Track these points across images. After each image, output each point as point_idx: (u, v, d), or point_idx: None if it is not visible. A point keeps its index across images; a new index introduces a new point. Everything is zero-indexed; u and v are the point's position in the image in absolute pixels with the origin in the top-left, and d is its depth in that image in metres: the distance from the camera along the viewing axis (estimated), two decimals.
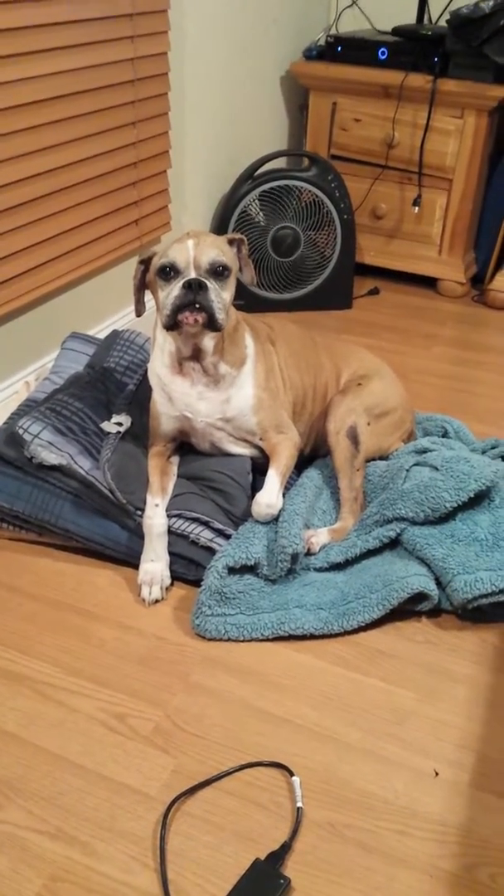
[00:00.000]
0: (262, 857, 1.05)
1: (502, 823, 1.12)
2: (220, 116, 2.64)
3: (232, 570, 1.45)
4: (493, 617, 1.47)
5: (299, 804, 1.13)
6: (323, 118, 2.98)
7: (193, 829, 1.10)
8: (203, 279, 1.43)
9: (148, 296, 1.57)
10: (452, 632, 1.46)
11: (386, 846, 1.09)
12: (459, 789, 1.17)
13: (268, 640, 1.42)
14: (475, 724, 1.28)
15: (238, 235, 1.57)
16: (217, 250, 1.47)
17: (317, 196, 2.74)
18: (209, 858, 1.06)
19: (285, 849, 1.06)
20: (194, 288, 1.42)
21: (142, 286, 1.55)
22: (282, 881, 1.02)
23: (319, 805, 1.14)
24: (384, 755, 1.22)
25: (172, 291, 1.44)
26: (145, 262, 1.52)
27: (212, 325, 1.45)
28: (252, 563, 1.46)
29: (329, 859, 1.07)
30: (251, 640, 1.41)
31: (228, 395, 1.58)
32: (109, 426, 1.70)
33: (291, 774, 1.17)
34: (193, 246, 1.45)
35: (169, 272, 1.45)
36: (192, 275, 1.43)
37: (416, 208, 2.90)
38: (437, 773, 1.20)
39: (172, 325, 1.46)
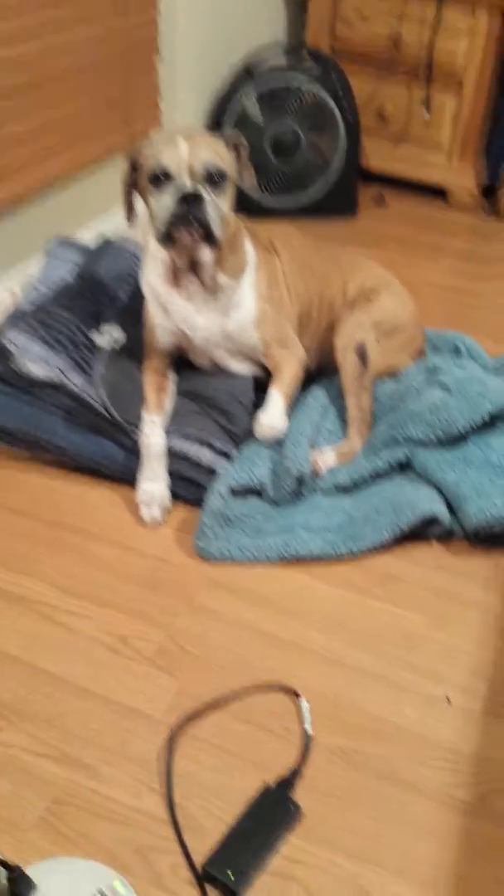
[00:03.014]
0: (271, 782, 1.03)
1: None
2: (215, 6, 2.44)
3: (235, 493, 1.39)
4: None
5: (308, 728, 1.10)
6: (325, 11, 2.77)
7: (200, 753, 1.07)
8: (199, 190, 1.31)
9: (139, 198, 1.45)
10: (463, 557, 1.42)
11: (398, 773, 1.07)
12: (472, 717, 1.15)
13: (273, 563, 1.37)
14: (487, 650, 1.25)
15: (236, 136, 1.43)
16: (213, 154, 1.34)
17: (319, 95, 2.57)
18: (216, 783, 1.04)
19: (295, 774, 1.04)
20: (190, 201, 1.31)
21: (131, 189, 1.43)
22: (293, 809, 0.99)
23: (329, 731, 1.11)
24: (395, 681, 1.19)
25: (165, 202, 1.32)
26: (133, 163, 1.40)
27: (210, 240, 1.35)
28: (256, 485, 1.40)
29: (339, 786, 1.05)
30: (256, 562, 1.36)
31: (228, 308, 1.49)
32: (102, 339, 1.61)
33: (299, 698, 1.14)
34: (187, 148, 1.32)
35: (160, 178, 1.33)
36: (187, 182, 1.32)
37: (427, 114, 2.75)
38: (449, 701, 1.17)
39: (166, 240, 1.35)
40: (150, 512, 1.43)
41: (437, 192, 2.89)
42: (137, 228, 1.50)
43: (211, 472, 1.45)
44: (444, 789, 1.05)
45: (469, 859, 0.98)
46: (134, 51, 2.05)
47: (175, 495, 1.47)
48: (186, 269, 1.45)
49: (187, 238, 1.34)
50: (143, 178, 1.36)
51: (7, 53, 1.66)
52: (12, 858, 0.87)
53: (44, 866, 0.88)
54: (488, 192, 2.91)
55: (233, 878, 0.91)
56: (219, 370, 1.58)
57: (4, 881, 0.84)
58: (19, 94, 1.71)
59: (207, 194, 1.32)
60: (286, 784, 1.02)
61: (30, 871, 0.85)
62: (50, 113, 1.82)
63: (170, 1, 2.17)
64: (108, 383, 1.50)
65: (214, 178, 1.34)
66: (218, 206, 1.34)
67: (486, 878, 0.96)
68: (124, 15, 1.97)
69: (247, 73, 2.52)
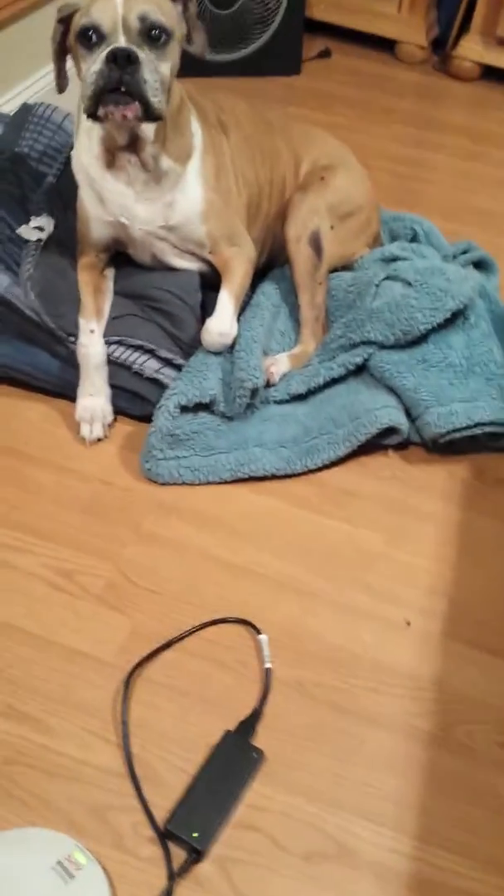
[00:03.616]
0: (232, 725, 0.99)
1: (476, 675, 1.08)
2: None
3: (184, 409, 1.29)
4: (462, 450, 1.37)
5: (267, 665, 1.06)
6: None
7: (156, 697, 1.02)
8: (133, 48, 1.11)
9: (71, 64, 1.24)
10: (420, 466, 1.36)
11: (358, 705, 1.04)
12: (431, 639, 1.12)
13: (225, 482, 1.29)
14: (445, 566, 1.22)
15: None
16: (153, 6, 1.14)
17: None
18: (175, 729, 1.00)
19: (255, 716, 1.00)
20: (121, 61, 1.10)
21: (62, 52, 1.22)
22: (255, 754, 0.96)
23: (286, 663, 1.07)
24: (352, 605, 1.15)
25: (94, 65, 1.12)
26: (65, 21, 1.18)
27: (148, 115, 1.15)
28: (207, 400, 1.29)
29: (298, 723, 1.02)
30: (207, 483, 1.28)
31: (173, 196, 1.32)
32: (28, 231, 1.43)
33: (258, 632, 1.10)
34: (122, 1, 1.12)
35: (91, 36, 1.13)
36: (121, 41, 1.12)
37: None
38: (408, 623, 1.14)
39: (94, 114, 1.16)
40: (91, 429, 1.32)
41: (385, 45, 2.64)
42: (69, 98, 1.30)
43: (155, 382, 1.33)
44: (405, 719, 1.04)
45: (432, 794, 0.97)
46: None
47: (117, 409, 1.36)
48: (124, 148, 1.26)
49: (118, 116, 1.14)
50: (73, 36, 1.16)
51: None
52: None
53: None
54: (438, 45, 2.67)
55: (197, 836, 0.88)
56: (161, 266, 1.42)
57: None
58: None
59: (144, 53, 1.13)
60: (247, 728, 0.99)
61: None
62: None
63: None
64: (38, 284, 1.34)
65: (154, 36, 1.14)
66: (157, 70, 1.15)
67: (450, 813, 0.95)
68: None
69: None
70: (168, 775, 0.95)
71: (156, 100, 1.15)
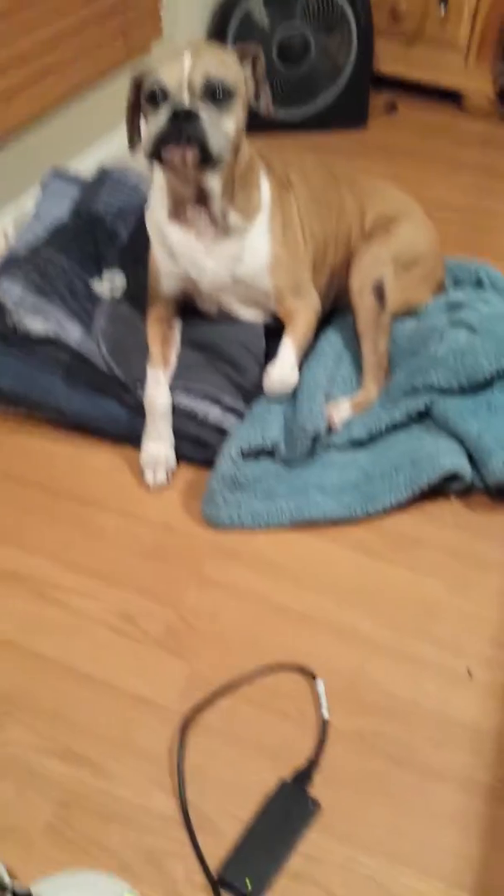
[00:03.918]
0: (288, 774, 0.98)
1: None
2: None
3: (246, 454, 1.30)
4: None
5: (325, 713, 1.05)
6: None
7: (213, 744, 1.02)
8: (195, 106, 1.16)
9: None
10: (484, 513, 1.33)
11: (418, 757, 1.02)
12: (494, 691, 1.09)
13: (286, 527, 1.29)
14: None
15: (252, 48, 1.26)
16: (218, 67, 1.18)
17: None
18: (231, 777, 0.99)
19: (312, 766, 0.99)
20: (182, 118, 1.16)
21: (135, 112, 1.28)
22: (311, 805, 0.95)
23: (345, 712, 1.06)
24: (413, 654, 1.13)
25: (158, 120, 1.18)
26: (138, 82, 1.25)
27: (207, 159, 1.19)
28: (269, 446, 1.31)
29: (357, 774, 1.00)
30: (268, 528, 1.29)
31: (240, 251, 1.36)
32: (101, 286, 1.49)
33: (316, 680, 1.09)
34: (189, 62, 1.17)
35: (158, 97, 1.18)
36: (185, 100, 1.17)
37: (443, 9, 2.51)
38: (470, 674, 1.11)
39: (156, 156, 1.20)
40: (155, 475, 1.35)
41: (451, 98, 2.68)
42: (141, 157, 1.36)
43: (219, 430, 1.36)
44: (465, 771, 1.01)
45: (493, 848, 0.93)
46: None
47: (180, 455, 1.38)
48: (192, 201, 1.31)
49: (178, 157, 1.19)
50: (143, 98, 1.22)
51: None
52: (20, 870, 0.84)
53: (52, 883, 0.85)
54: None
55: (250, 886, 0.87)
56: (227, 317, 1.46)
57: None
58: (11, 14, 1.54)
59: (206, 111, 1.17)
60: (303, 778, 0.98)
61: (39, 888, 0.82)
62: (43, 31, 1.64)
63: None
64: (110, 337, 1.40)
65: (217, 95, 1.18)
66: (219, 125, 1.19)
67: None
68: None
69: None
70: (223, 823, 0.94)
71: (215, 147, 1.18)
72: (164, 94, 1.18)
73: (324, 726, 1.04)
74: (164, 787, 0.98)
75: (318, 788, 0.98)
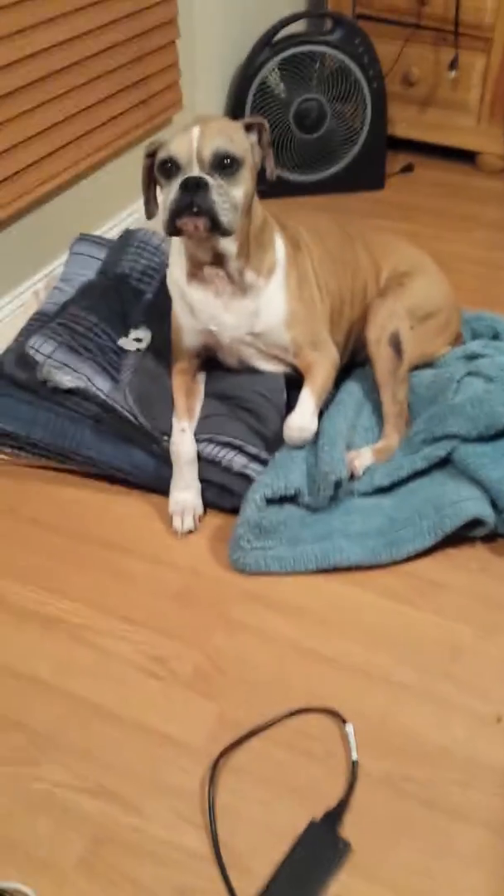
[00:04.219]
0: (318, 815, 0.99)
1: None
2: None
3: (270, 501, 1.34)
4: None
5: (354, 756, 1.06)
6: None
7: (243, 785, 1.04)
8: (204, 176, 1.23)
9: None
10: None
11: (447, 801, 1.02)
12: None
13: (312, 573, 1.32)
14: None
15: (258, 119, 1.34)
16: (224, 138, 1.26)
17: (342, 62, 2.46)
18: (262, 816, 1.00)
19: (342, 807, 1.00)
20: (191, 188, 1.23)
21: (150, 182, 1.36)
22: (341, 846, 0.95)
23: (374, 755, 1.07)
24: (442, 697, 1.14)
25: (170, 193, 1.25)
26: (152, 155, 1.32)
27: (217, 228, 1.26)
28: (292, 492, 1.34)
29: (387, 816, 1.01)
30: (294, 573, 1.32)
31: (258, 306, 1.42)
32: (128, 343, 1.56)
33: (344, 722, 1.10)
34: (198, 135, 1.25)
35: (170, 168, 1.26)
36: (195, 170, 1.24)
37: (453, 72, 2.62)
38: (500, 720, 1.12)
39: (172, 230, 1.28)
40: (183, 522, 1.39)
41: (465, 158, 2.77)
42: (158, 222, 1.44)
43: (243, 477, 1.40)
44: (495, 815, 1.01)
45: None
46: (152, 32, 1.96)
47: (207, 502, 1.42)
48: (209, 263, 1.38)
49: (191, 227, 1.26)
50: (156, 169, 1.30)
51: (28, 43, 1.59)
52: None
53: None
54: None
55: None
56: (248, 369, 1.52)
57: None
58: (36, 90, 1.64)
59: (214, 181, 1.24)
60: (333, 818, 0.99)
61: None
62: (68, 105, 1.74)
63: None
64: (136, 389, 1.45)
65: (225, 165, 1.26)
66: (228, 194, 1.26)
67: None
68: None
69: (267, 45, 2.41)
70: (253, 862, 0.95)
71: (224, 217, 1.25)
72: (176, 166, 1.25)
73: (353, 768, 1.05)
74: (195, 825, 0.99)
75: (348, 829, 0.99)
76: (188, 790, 1.03)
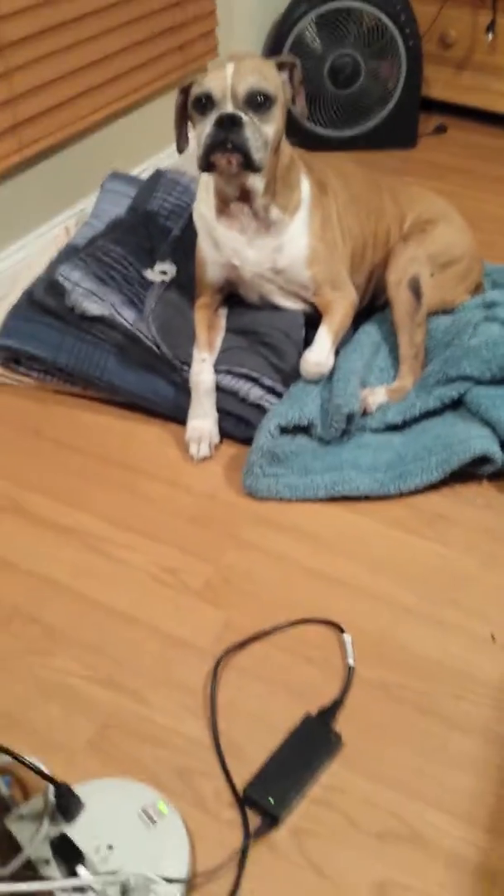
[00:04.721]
0: (313, 711, 1.05)
1: None
2: None
3: (284, 430, 1.39)
4: None
5: (351, 662, 1.11)
6: None
7: (244, 682, 1.09)
8: (238, 113, 1.27)
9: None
10: None
11: (440, 709, 1.07)
12: None
13: (321, 501, 1.37)
14: None
15: (290, 58, 1.38)
16: (258, 76, 1.29)
17: (379, 19, 2.46)
18: (259, 710, 1.06)
19: (336, 705, 1.05)
20: (226, 125, 1.26)
21: (183, 118, 1.39)
22: (333, 738, 1.01)
23: (372, 665, 1.12)
24: (440, 619, 1.19)
25: (205, 128, 1.29)
26: (185, 91, 1.36)
27: (249, 165, 1.30)
28: (305, 423, 1.39)
29: (381, 719, 1.06)
30: (304, 500, 1.36)
31: (280, 242, 1.46)
32: (153, 275, 1.60)
33: (343, 632, 1.15)
34: (232, 72, 1.28)
35: (204, 104, 1.29)
36: (229, 107, 1.27)
37: (490, 35, 2.61)
38: (494, 638, 1.16)
39: (206, 166, 1.32)
40: (199, 449, 1.44)
41: (499, 121, 2.77)
42: (190, 160, 1.47)
43: (259, 408, 1.44)
44: (486, 724, 1.05)
45: None
46: None
47: (223, 432, 1.47)
48: (236, 199, 1.42)
49: (224, 163, 1.30)
50: (190, 105, 1.33)
51: None
52: (63, 778, 0.91)
53: (91, 786, 0.92)
54: None
55: (273, 803, 0.93)
56: (268, 306, 1.56)
57: (53, 798, 0.88)
58: (77, 27, 1.68)
59: (248, 117, 1.28)
60: (327, 714, 1.04)
61: (77, 790, 0.89)
62: (106, 45, 1.78)
63: None
64: (160, 319, 1.50)
65: (258, 101, 1.29)
66: (260, 130, 1.30)
67: None
68: None
69: None
70: (250, 749, 1.01)
71: (257, 154, 1.29)
72: (211, 102, 1.29)
73: (349, 672, 1.10)
74: (197, 716, 1.05)
75: (342, 726, 1.04)
76: (192, 685, 1.09)
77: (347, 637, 1.14)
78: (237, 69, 1.28)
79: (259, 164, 1.31)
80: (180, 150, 1.44)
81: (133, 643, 1.14)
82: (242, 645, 1.13)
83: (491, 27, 2.60)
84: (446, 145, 2.69)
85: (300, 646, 1.14)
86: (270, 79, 1.32)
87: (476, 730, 1.05)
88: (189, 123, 1.38)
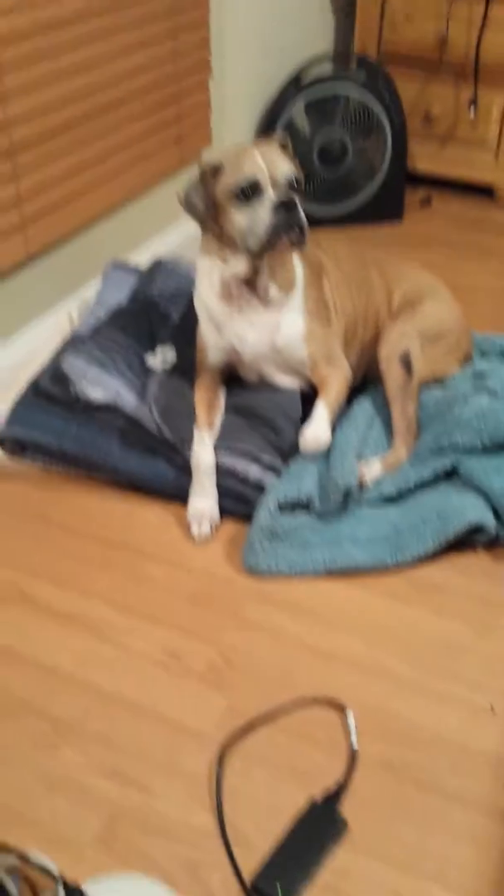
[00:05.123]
0: (318, 796, 1.05)
1: None
2: (263, 20, 2.47)
3: (283, 507, 1.42)
4: None
5: (354, 742, 1.12)
6: (372, 16, 2.77)
7: (249, 768, 1.10)
8: (293, 197, 1.37)
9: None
10: None
11: (441, 783, 1.08)
12: None
13: (320, 575, 1.39)
14: None
15: (286, 139, 1.50)
16: (289, 163, 1.41)
17: (365, 101, 2.57)
18: (265, 797, 1.07)
19: (341, 789, 1.06)
20: (290, 209, 1.36)
21: (208, 202, 1.43)
22: (339, 823, 1.01)
23: (373, 741, 1.13)
24: (439, 690, 1.20)
25: (259, 215, 1.37)
26: (215, 171, 1.41)
27: (301, 243, 1.41)
28: (304, 499, 1.42)
29: (383, 797, 1.06)
30: (303, 575, 1.39)
31: (278, 321, 1.52)
32: (155, 360, 1.66)
33: (346, 712, 1.16)
34: (265, 159, 1.38)
35: (249, 191, 1.38)
36: (271, 193, 1.37)
37: (472, 111, 2.72)
38: (493, 709, 1.17)
39: (266, 248, 1.40)
40: (200, 528, 1.47)
41: (483, 192, 2.86)
42: (188, 246, 1.53)
43: (259, 487, 1.48)
44: (487, 798, 1.06)
45: None
46: (186, 72, 2.10)
47: (224, 510, 1.50)
48: (244, 282, 1.49)
49: (288, 243, 1.40)
50: (224, 193, 1.40)
51: (70, 85, 1.73)
52: (70, 875, 0.91)
53: (101, 884, 0.92)
54: None
55: (281, 892, 0.93)
56: (266, 385, 1.61)
57: None
58: (78, 126, 1.78)
59: (297, 200, 1.38)
60: (333, 799, 1.04)
61: (87, 889, 0.89)
62: (107, 142, 1.88)
63: (219, 21, 2.21)
64: (161, 403, 1.55)
65: (293, 186, 1.40)
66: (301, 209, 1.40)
67: None
68: (175, 38, 2.02)
69: (294, 85, 2.54)
70: (256, 838, 1.01)
71: (307, 230, 1.40)
72: (257, 189, 1.37)
73: (353, 754, 1.11)
74: (203, 805, 1.06)
75: (347, 809, 1.04)
76: (198, 773, 1.10)
77: (351, 717, 1.15)
78: (265, 156, 1.39)
79: (306, 240, 1.40)
80: (207, 231, 1.48)
81: (138, 732, 1.15)
82: (246, 729, 1.14)
83: (473, 102, 2.71)
84: (432, 217, 2.78)
85: (304, 727, 1.15)
86: (295, 165, 1.43)
87: (477, 803, 1.05)
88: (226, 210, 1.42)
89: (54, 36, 1.65)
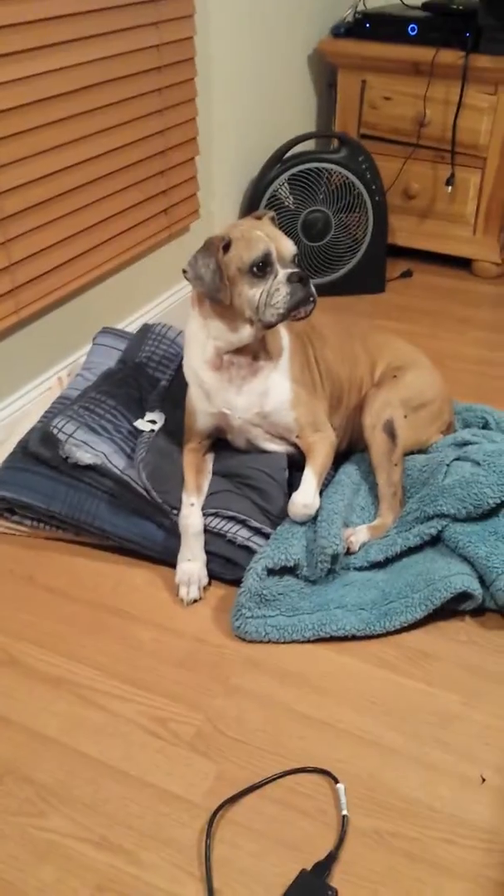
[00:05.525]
0: (308, 866, 1.04)
1: None
2: (247, 99, 2.59)
3: (271, 572, 1.43)
4: None
5: (344, 812, 1.11)
6: (352, 97, 2.91)
7: (238, 838, 1.09)
8: (305, 271, 1.43)
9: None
10: (497, 631, 1.43)
11: (432, 855, 1.07)
12: None
13: (308, 641, 1.40)
14: None
15: (272, 213, 1.57)
16: (289, 240, 1.48)
17: (347, 178, 2.67)
18: (254, 868, 1.05)
19: (331, 859, 1.05)
20: (305, 281, 1.43)
21: (224, 275, 1.44)
22: (329, 892, 1.00)
23: (364, 812, 1.12)
24: (429, 761, 1.20)
25: (275, 287, 1.43)
26: (226, 246, 1.45)
27: (310, 313, 1.48)
28: (291, 564, 1.44)
29: (375, 869, 1.06)
30: (292, 641, 1.39)
31: (266, 387, 1.56)
32: (143, 424, 1.68)
33: (336, 781, 1.16)
34: (270, 236, 1.45)
35: (262, 267, 1.43)
36: (278, 267, 1.43)
37: (450, 188, 2.84)
38: (483, 780, 1.18)
39: (284, 318, 1.46)
40: (189, 591, 1.48)
41: (461, 264, 2.97)
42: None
43: (247, 550, 1.49)
44: (478, 869, 1.06)
45: None
46: (174, 149, 2.18)
47: (212, 574, 1.51)
48: (236, 351, 1.53)
49: (303, 314, 1.46)
50: (234, 268, 1.43)
51: (63, 158, 1.79)
52: None
53: None
54: None
55: None
56: (254, 449, 1.64)
57: None
58: (70, 197, 1.83)
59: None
60: (322, 868, 1.04)
61: None
62: (97, 213, 1.94)
63: (206, 100, 2.31)
64: (149, 466, 1.57)
65: (296, 261, 1.48)
66: None
67: None
68: (163, 116, 2.10)
69: (278, 161, 2.64)
70: None
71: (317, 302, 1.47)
72: (269, 265, 1.43)
73: (343, 823, 1.10)
74: (192, 875, 1.04)
75: (336, 879, 1.03)
76: (186, 842, 1.08)
77: (341, 787, 1.15)
78: (269, 233, 1.46)
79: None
80: (227, 300, 1.47)
81: (125, 800, 1.14)
82: (235, 798, 1.13)
83: (450, 180, 2.82)
84: (412, 289, 2.87)
85: (293, 796, 1.15)
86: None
87: (467, 875, 1.05)
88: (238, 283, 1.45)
89: (49, 111, 1.72)
